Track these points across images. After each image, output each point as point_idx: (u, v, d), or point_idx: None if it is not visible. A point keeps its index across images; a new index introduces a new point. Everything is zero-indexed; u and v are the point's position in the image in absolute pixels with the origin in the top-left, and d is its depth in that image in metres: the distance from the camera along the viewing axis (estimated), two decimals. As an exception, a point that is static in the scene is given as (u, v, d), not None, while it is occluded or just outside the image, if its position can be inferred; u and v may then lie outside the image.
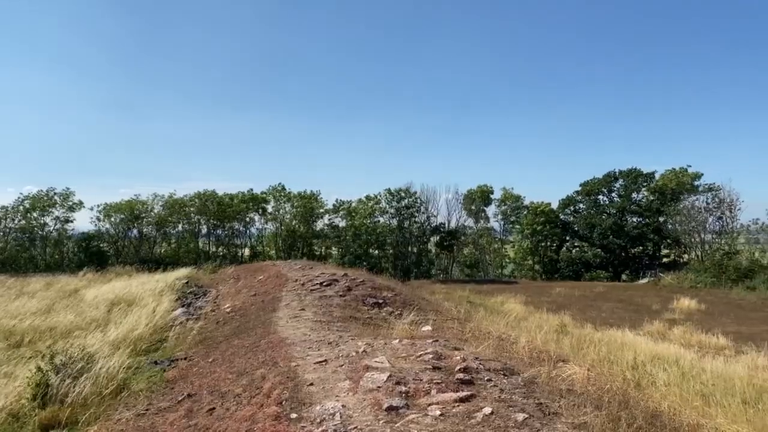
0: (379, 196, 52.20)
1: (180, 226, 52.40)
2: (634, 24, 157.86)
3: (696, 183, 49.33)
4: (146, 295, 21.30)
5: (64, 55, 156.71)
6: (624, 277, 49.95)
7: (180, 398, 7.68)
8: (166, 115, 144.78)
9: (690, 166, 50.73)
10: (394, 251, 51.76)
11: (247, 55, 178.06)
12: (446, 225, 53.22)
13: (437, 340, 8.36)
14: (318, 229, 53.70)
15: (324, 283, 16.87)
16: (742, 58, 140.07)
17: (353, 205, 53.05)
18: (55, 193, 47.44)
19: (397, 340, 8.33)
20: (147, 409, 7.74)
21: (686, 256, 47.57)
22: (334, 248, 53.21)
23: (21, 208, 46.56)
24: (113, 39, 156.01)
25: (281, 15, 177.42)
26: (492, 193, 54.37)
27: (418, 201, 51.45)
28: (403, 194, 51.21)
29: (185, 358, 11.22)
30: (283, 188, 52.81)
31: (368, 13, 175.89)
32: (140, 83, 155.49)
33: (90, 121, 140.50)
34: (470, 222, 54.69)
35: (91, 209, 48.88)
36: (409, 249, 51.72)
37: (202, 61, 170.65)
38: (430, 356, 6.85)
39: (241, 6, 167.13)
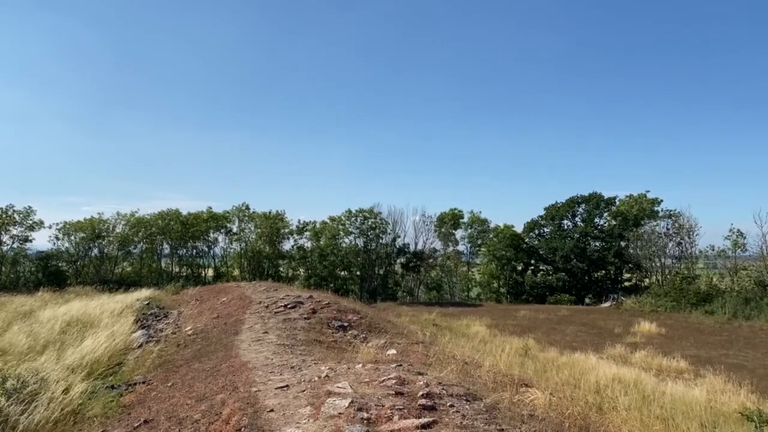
0: (343, 217, 52.14)
1: (142, 246, 51.31)
2: (595, 54, 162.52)
3: (656, 209, 50.49)
4: (105, 317, 20.76)
5: (27, 68, 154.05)
6: (587, 300, 50.59)
7: (136, 424, 7.46)
8: (131, 133, 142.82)
9: (649, 191, 52.01)
10: (361, 273, 51.58)
11: (213, 74, 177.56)
12: (414, 246, 53.41)
13: (401, 365, 8.32)
14: (285, 249, 53.21)
15: (288, 306, 16.67)
16: (697, 89, 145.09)
17: (318, 225, 52.81)
18: (14, 211, 46.05)
19: (361, 365, 8.26)
20: (101, 436, 7.50)
21: (647, 280, 48.42)
22: (300, 269, 52.75)
23: (-24, 224, 45.06)
24: (79, 54, 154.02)
25: (249, 34, 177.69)
26: (462, 217, 55.01)
27: (384, 222, 51.49)
28: (367, 215, 51.18)
29: (143, 382, 10.93)
30: (247, 207, 52.33)
31: (338, 37, 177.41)
32: (105, 100, 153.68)
33: (52, 137, 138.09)
34: (437, 244, 55.03)
35: (50, 227, 47.67)
36: (376, 270, 51.58)
37: (168, 78, 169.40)
38: (393, 381, 6.80)
39: (208, 25, 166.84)
